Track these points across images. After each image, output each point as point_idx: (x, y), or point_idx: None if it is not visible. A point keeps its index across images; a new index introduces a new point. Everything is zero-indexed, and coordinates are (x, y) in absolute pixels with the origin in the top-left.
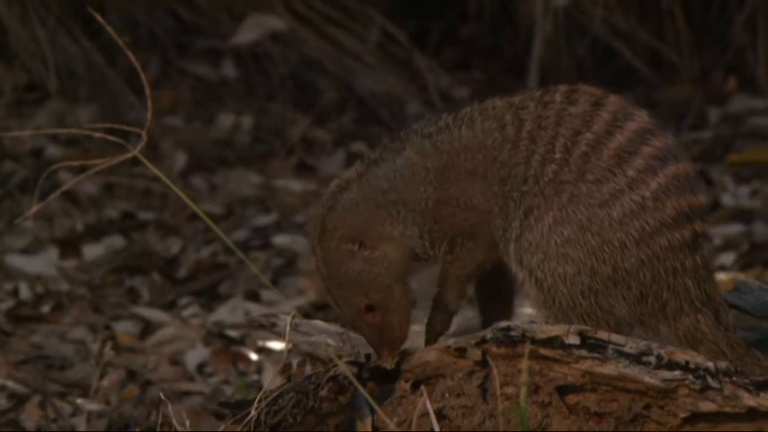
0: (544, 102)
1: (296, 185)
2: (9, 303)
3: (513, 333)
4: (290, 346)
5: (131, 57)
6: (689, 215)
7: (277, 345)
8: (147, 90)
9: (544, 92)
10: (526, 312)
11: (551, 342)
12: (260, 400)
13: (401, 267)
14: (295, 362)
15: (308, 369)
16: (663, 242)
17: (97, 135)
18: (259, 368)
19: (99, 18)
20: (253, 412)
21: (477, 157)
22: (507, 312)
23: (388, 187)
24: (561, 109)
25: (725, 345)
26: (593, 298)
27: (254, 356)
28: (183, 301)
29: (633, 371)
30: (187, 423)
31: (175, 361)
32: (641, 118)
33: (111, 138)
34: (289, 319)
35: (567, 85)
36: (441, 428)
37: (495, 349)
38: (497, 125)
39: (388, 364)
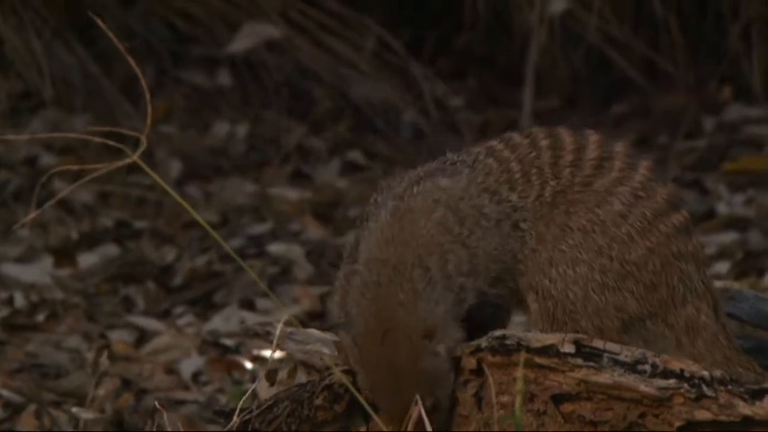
0: (511, 145)
1: (291, 194)
2: (4, 312)
3: (508, 341)
4: (282, 354)
5: (131, 62)
6: (675, 202)
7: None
8: (147, 96)
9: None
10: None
11: (546, 350)
12: (249, 410)
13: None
14: (285, 371)
15: (303, 377)
16: (663, 228)
17: (95, 140)
18: (254, 377)
19: (100, 23)
20: (235, 418)
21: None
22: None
23: (437, 256)
24: (530, 144)
25: (723, 337)
26: (606, 294)
27: (249, 365)
28: (178, 309)
29: (628, 379)
30: None
31: (170, 369)
32: (593, 133)
33: (107, 142)
34: (279, 326)
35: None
36: None
37: (490, 358)
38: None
39: None
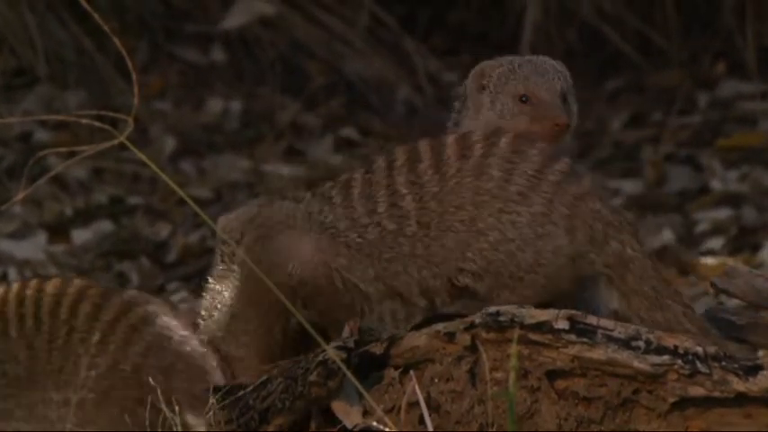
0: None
1: (285, 170)
2: None
3: (502, 318)
4: None
5: (118, 43)
6: (550, 155)
7: None
8: (134, 76)
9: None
10: None
11: (540, 327)
12: (243, 386)
13: None
14: None
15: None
16: (551, 177)
17: (83, 122)
18: None
19: (85, 5)
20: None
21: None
22: None
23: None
24: (386, 167)
25: (651, 267)
26: (531, 245)
27: None
28: (172, 285)
29: (622, 355)
30: (176, 408)
31: None
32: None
33: (101, 120)
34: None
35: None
36: (429, 414)
37: (484, 334)
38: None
39: (378, 349)
